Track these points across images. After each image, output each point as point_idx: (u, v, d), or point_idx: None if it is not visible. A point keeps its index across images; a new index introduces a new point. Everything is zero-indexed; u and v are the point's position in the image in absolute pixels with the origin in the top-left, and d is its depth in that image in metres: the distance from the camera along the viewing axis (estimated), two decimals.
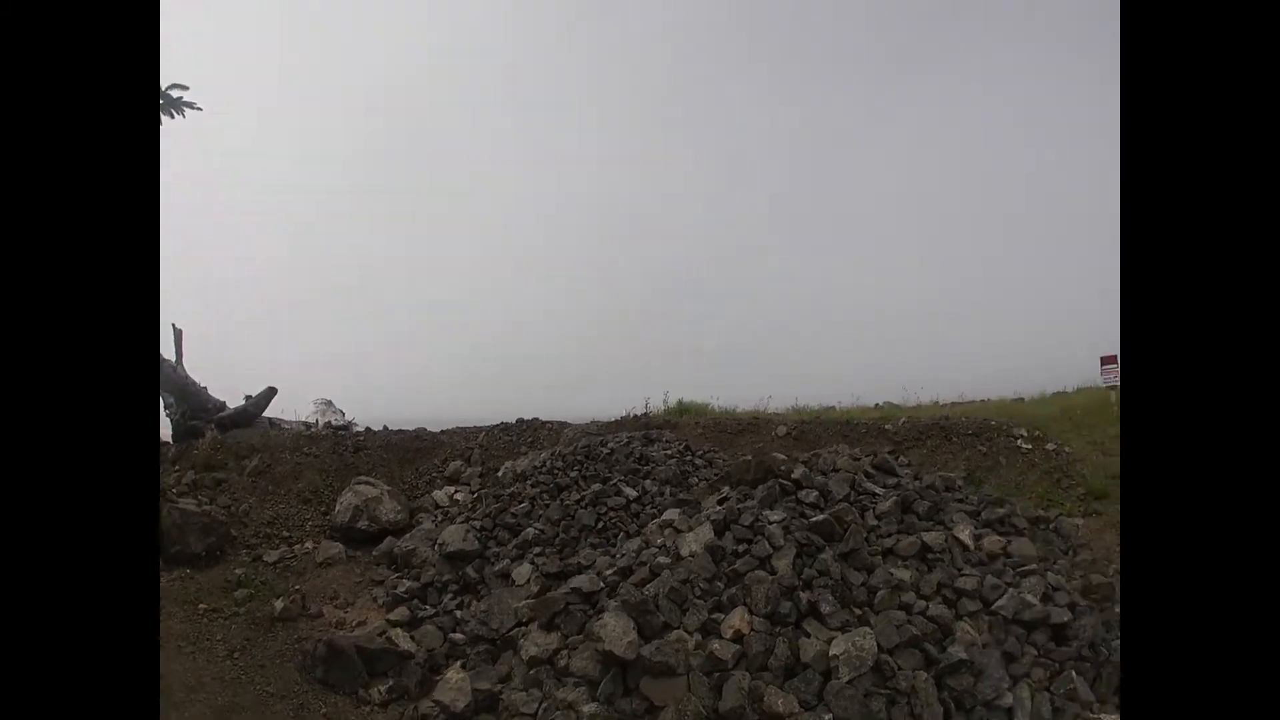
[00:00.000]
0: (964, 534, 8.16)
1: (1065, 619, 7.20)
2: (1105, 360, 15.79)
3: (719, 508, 8.59)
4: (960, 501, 9.17)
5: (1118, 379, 16.15)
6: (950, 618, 7.06)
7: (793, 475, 8.94)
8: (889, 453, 10.51)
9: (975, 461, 12.34)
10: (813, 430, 13.65)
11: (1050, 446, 12.56)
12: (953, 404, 16.25)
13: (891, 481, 9.29)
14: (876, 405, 16.57)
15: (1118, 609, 7.80)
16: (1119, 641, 7.15)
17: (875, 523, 8.26)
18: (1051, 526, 9.31)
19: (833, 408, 16.22)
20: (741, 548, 7.90)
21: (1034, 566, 7.87)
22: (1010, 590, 7.39)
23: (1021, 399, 16.89)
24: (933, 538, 7.95)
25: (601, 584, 8.24)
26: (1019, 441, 12.60)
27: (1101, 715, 6.55)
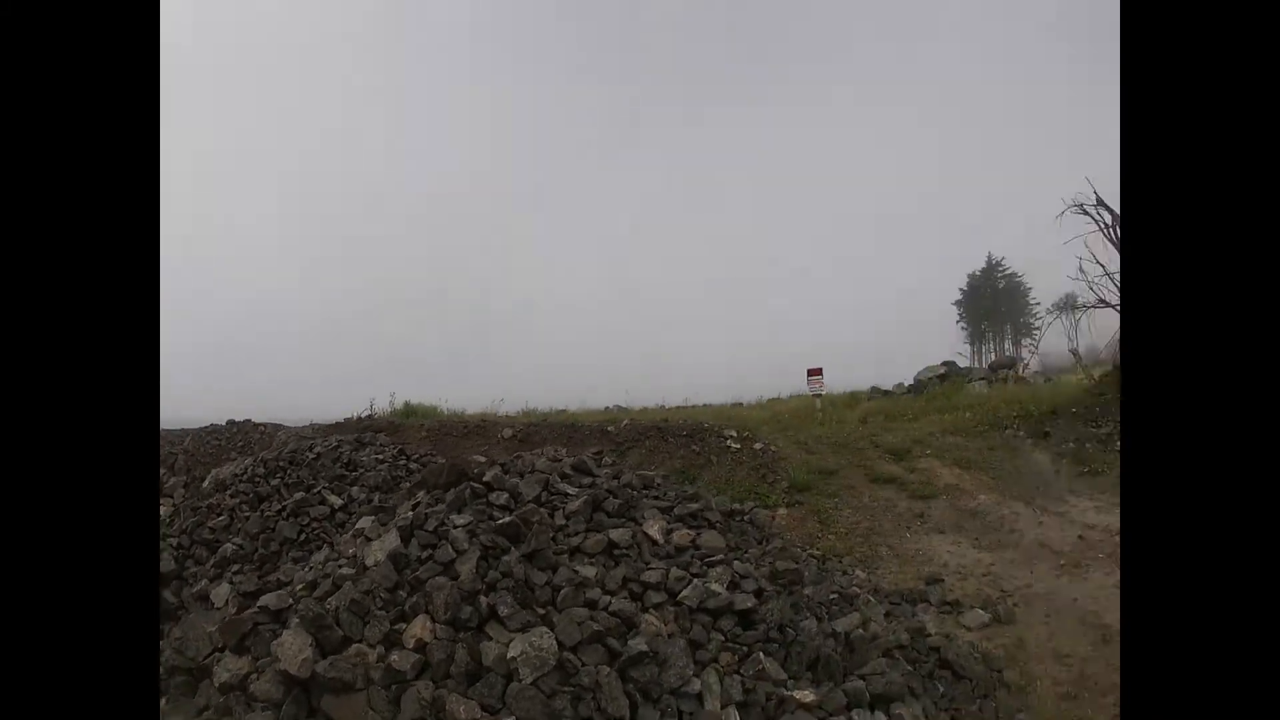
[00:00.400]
0: (653, 529, 8.05)
1: (750, 604, 7.22)
2: (811, 372, 17.45)
3: (410, 514, 8.09)
4: (656, 499, 9.09)
5: (822, 388, 17.84)
6: (634, 611, 6.90)
7: (484, 478, 8.52)
8: (594, 454, 10.44)
9: (689, 460, 12.69)
10: (539, 432, 13.46)
11: (758, 446, 13.13)
12: (677, 408, 16.77)
13: (587, 481, 9.03)
14: (606, 408, 16.79)
15: (807, 591, 8.15)
16: (806, 621, 7.37)
17: (564, 522, 7.96)
18: (746, 518, 9.56)
19: (565, 410, 16.23)
20: (425, 554, 7.29)
21: (722, 557, 7.88)
22: (696, 581, 7.31)
23: (740, 404, 17.79)
24: (619, 534, 7.77)
25: (291, 600, 7.47)
26: (729, 441, 13.09)
27: (794, 692, 6.70)
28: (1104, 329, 18.85)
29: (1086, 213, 17.13)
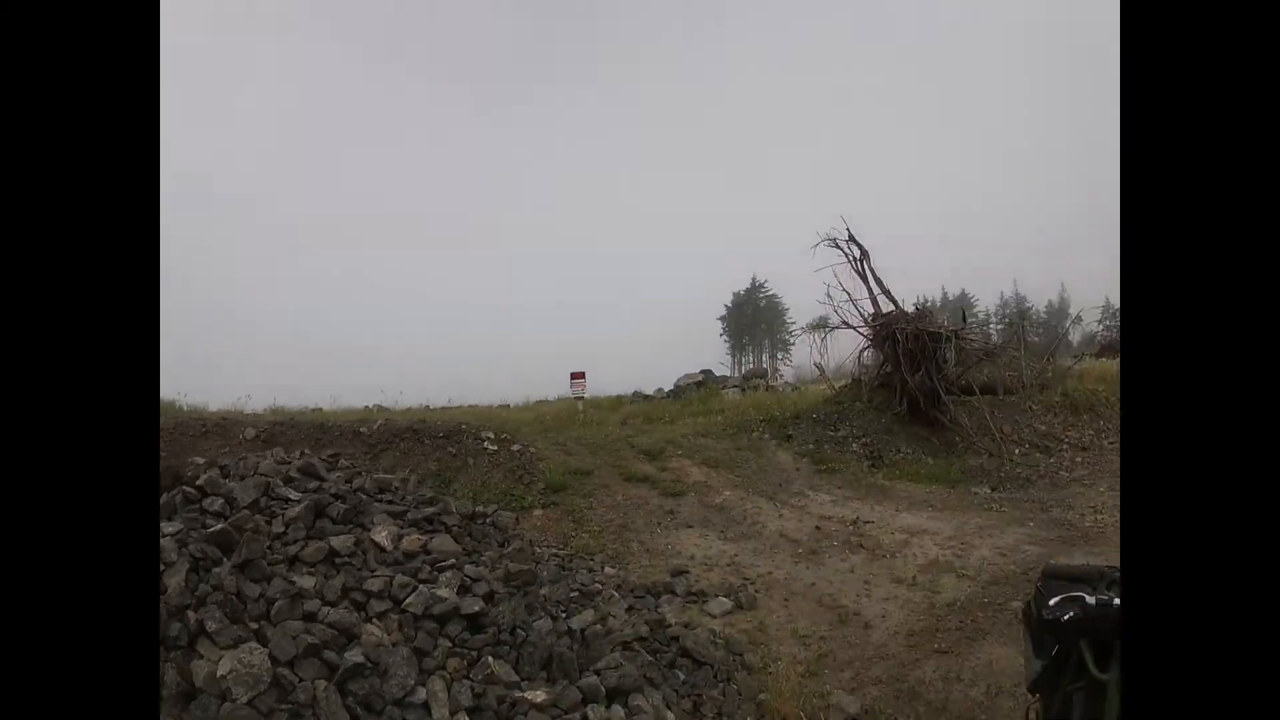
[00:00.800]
0: (381, 535, 7.66)
1: (478, 608, 7.02)
2: (574, 375, 17.58)
3: None
4: (390, 503, 8.69)
5: (584, 391, 18.00)
6: (355, 621, 6.47)
7: (198, 482, 7.70)
8: (329, 456, 9.80)
9: (445, 462, 12.24)
10: (285, 433, 12.45)
11: (516, 448, 12.91)
12: (441, 408, 16.21)
13: (313, 486, 8.46)
14: (366, 407, 15.95)
15: (543, 591, 7.97)
16: (540, 621, 7.22)
17: (283, 530, 7.37)
18: (489, 521, 9.32)
19: (320, 409, 15.22)
20: None
21: (454, 561, 7.64)
22: (421, 587, 7.03)
23: (507, 405, 17.53)
24: (341, 542, 7.32)
25: None
26: (486, 443, 12.78)
27: (526, 693, 6.47)
28: (846, 347, 20.50)
29: (838, 246, 18.48)
